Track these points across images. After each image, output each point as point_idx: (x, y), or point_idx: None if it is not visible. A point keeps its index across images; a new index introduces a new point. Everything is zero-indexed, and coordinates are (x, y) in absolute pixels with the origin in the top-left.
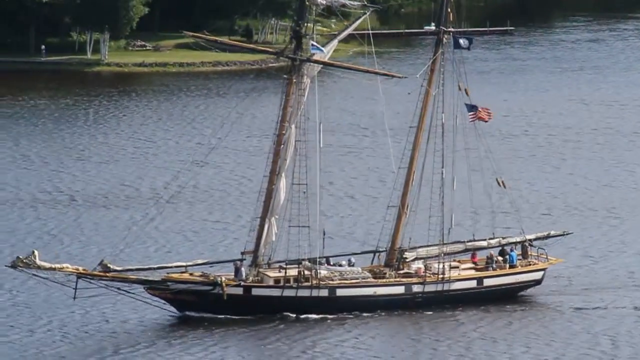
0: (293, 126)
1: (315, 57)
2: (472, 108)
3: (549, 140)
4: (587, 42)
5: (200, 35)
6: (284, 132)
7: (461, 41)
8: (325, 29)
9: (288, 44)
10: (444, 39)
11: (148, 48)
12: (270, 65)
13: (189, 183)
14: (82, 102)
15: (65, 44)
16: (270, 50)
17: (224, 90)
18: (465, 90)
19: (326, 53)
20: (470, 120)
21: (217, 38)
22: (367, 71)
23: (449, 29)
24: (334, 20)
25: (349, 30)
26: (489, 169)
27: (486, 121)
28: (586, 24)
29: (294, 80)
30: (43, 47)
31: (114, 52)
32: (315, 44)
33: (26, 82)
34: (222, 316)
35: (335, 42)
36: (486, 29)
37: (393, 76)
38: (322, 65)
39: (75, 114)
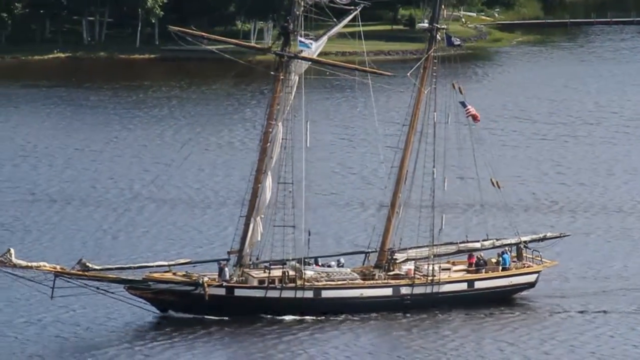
0: (280, 124)
1: (303, 54)
2: (465, 105)
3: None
4: None
5: (185, 30)
6: (270, 130)
7: (453, 39)
8: (488, 18)
9: (276, 40)
10: (437, 36)
11: (311, 37)
12: (434, 54)
13: (175, 180)
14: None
15: (230, 33)
16: (258, 46)
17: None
18: (460, 88)
19: (314, 50)
20: (467, 115)
21: (202, 33)
22: (356, 69)
23: (442, 26)
24: None
25: (339, 27)
26: (484, 169)
27: (476, 121)
28: None
29: (281, 78)
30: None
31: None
32: (303, 40)
33: (195, 69)
34: (205, 317)
35: (324, 39)
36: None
37: (381, 74)
38: (310, 62)
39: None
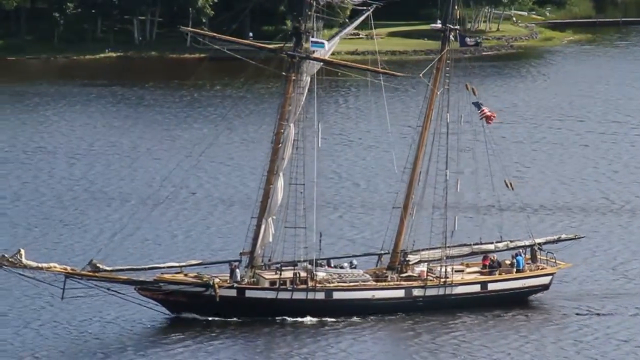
0: (292, 125)
1: (315, 55)
2: (479, 106)
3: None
4: None
5: (196, 30)
6: (282, 130)
7: (467, 40)
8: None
9: (287, 40)
10: (450, 36)
11: (361, 36)
12: (485, 53)
13: (190, 181)
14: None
15: (280, 32)
16: (269, 47)
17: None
18: (473, 89)
19: (327, 50)
20: (481, 117)
21: (214, 34)
22: (367, 69)
23: (455, 27)
24: None
25: (351, 28)
26: (497, 169)
27: (489, 122)
28: None
29: (293, 78)
30: (250, 34)
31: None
32: (315, 40)
33: (244, 68)
34: (216, 318)
35: (337, 39)
36: None
37: (393, 74)
38: (322, 63)
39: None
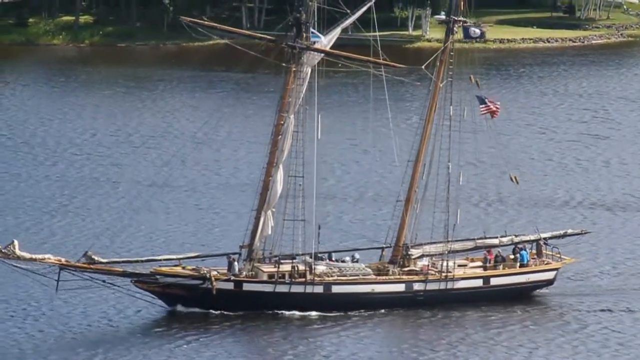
0: (292, 116)
1: (316, 46)
2: (482, 101)
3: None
4: None
5: (196, 20)
6: (282, 122)
7: (471, 31)
8: None
9: (288, 31)
10: (454, 28)
11: (468, 24)
12: (595, 42)
13: (191, 172)
14: None
15: (387, 20)
16: (269, 37)
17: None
18: (477, 82)
19: (327, 41)
20: (482, 113)
21: (214, 24)
22: (368, 60)
23: (459, 18)
24: None
25: (353, 18)
26: (502, 164)
27: (493, 117)
28: None
29: (294, 69)
30: None
31: (435, 27)
32: (315, 31)
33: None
34: (213, 311)
35: (337, 31)
36: None
37: (393, 66)
38: (323, 54)
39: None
